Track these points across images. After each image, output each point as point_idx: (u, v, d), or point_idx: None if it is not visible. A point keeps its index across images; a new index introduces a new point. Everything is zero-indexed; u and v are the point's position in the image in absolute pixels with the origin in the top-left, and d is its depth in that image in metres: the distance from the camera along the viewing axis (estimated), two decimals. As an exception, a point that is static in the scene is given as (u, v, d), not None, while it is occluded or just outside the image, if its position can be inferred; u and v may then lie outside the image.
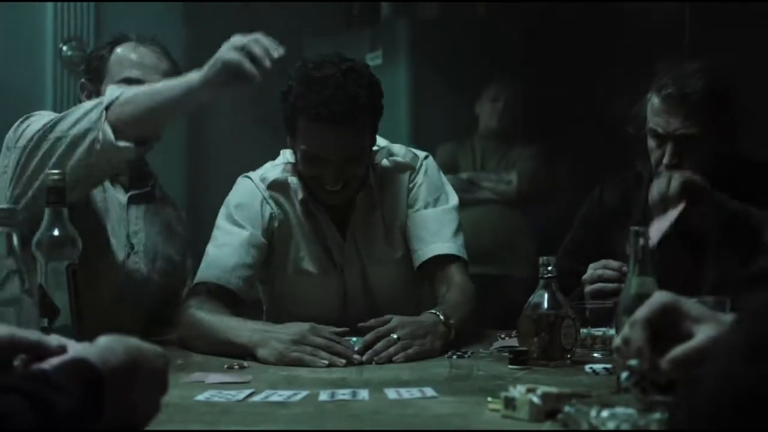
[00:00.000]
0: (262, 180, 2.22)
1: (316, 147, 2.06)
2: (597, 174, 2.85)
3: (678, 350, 1.10)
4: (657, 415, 1.08)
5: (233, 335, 1.94)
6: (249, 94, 4.54)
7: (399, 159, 2.28)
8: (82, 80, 2.42)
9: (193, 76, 1.96)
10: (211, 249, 2.17)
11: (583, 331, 1.83)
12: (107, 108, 1.97)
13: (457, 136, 4.54)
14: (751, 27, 3.86)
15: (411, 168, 2.27)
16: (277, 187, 2.21)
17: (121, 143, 1.94)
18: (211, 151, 5.21)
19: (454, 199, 2.29)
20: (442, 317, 1.96)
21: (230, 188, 2.27)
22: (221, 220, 2.21)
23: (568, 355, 1.73)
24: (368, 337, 1.87)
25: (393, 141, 2.35)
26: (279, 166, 2.25)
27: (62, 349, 1.08)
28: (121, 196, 2.31)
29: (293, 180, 2.21)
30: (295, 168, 2.19)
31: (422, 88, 4.70)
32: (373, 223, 2.24)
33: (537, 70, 4.86)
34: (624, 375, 1.19)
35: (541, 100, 4.73)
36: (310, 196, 2.18)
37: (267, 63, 1.88)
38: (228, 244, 2.16)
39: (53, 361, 1.00)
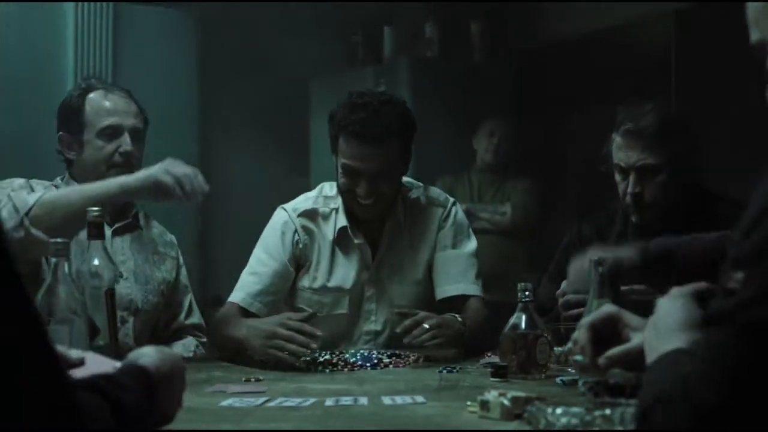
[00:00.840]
0: (294, 210, 2.56)
1: (352, 160, 2.41)
2: (584, 206, 3.07)
3: (614, 350, 1.39)
4: (601, 412, 1.32)
5: (235, 331, 2.32)
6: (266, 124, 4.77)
7: (433, 196, 2.62)
8: (60, 132, 2.53)
9: (112, 184, 2.27)
10: (243, 274, 2.54)
11: (558, 349, 2.08)
12: (26, 214, 2.18)
13: (454, 170, 4.77)
14: (735, 69, 4.07)
15: (443, 206, 2.60)
16: (306, 215, 2.56)
17: (45, 238, 2.08)
18: (223, 174, 5.42)
19: (475, 242, 2.63)
20: (459, 318, 2.35)
21: (244, 210, 2.60)
22: (257, 249, 2.57)
23: (543, 370, 1.98)
24: (408, 322, 2.22)
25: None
26: (311, 198, 2.59)
27: (81, 361, 1.32)
28: (106, 231, 2.46)
29: (325, 210, 2.56)
30: (338, 191, 2.55)
31: (422, 123, 4.77)
32: (399, 249, 2.57)
33: (530, 108, 5.11)
34: (581, 381, 1.46)
35: (534, 136, 4.96)
36: (349, 221, 2.52)
37: (196, 199, 2.27)
38: (257, 273, 2.51)
39: (116, 365, 1.26)
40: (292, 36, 5.34)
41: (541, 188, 4.73)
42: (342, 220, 2.54)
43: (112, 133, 2.49)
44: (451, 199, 2.66)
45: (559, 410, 1.34)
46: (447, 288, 2.54)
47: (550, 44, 5.16)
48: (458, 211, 2.63)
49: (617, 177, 2.46)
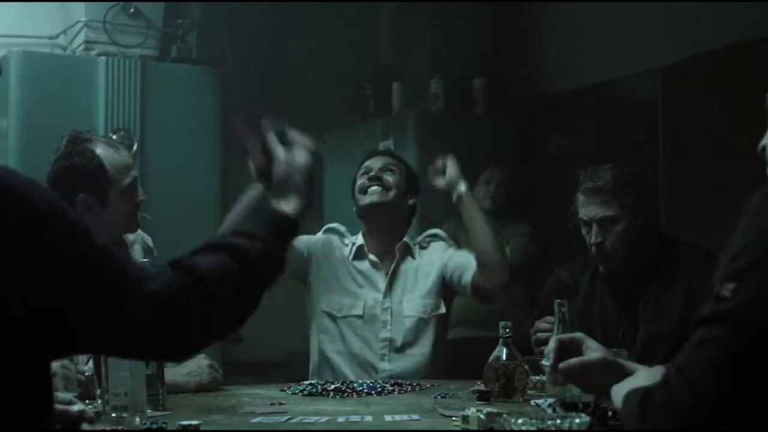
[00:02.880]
0: (320, 228, 3.17)
1: (369, 161, 3.16)
2: (580, 250, 3.36)
3: (572, 359, 1.80)
4: (554, 422, 1.68)
5: None
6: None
7: (436, 232, 3.22)
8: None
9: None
10: None
11: (535, 377, 2.44)
12: None
13: (458, 215, 4.94)
14: (719, 122, 4.36)
15: (446, 241, 3.18)
16: (331, 231, 3.17)
17: None
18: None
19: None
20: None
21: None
22: None
23: (522, 394, 2.33)
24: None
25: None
26: (342, 227, 3.20)
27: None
28: None
29: (345, 232, 3.17)
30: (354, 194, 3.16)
31: (428, 172, 5.16)
32: (409, 266, 3.09)
33: (528, 157, 5.33)
34: (544, 400, 1.83)
35: (532, 184, 5.22)
36: (366, 242, 3.10)
37: None
38: None
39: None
40: (307, 91, 5.66)
41: (540, 233, 4.91)
42: (360, 240, 3.10)
43: (135, 187, 2.63)
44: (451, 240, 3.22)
45: (520, 420, 1.70)
46: (468, 273, 3.05)
47: (547, 98, 5.42)
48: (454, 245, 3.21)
49: (583, 230, 2.79)
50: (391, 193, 3.07)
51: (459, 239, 4.82)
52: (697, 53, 4.53)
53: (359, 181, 3.13)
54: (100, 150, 2.55)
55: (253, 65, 5.58)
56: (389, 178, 3.09)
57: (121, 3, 5.00)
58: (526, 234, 4.90)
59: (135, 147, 4.85)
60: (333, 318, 3.03)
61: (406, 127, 5.26)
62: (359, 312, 3.01)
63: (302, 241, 3.05)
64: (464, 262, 3.06)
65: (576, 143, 5.08)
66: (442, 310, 3.08)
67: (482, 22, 5.71)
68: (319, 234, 3.17)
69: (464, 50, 5.58)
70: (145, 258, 2.43)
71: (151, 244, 2.91)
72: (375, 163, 3.14)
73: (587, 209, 2.75)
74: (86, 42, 4.97)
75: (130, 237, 2.81)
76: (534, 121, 5.45)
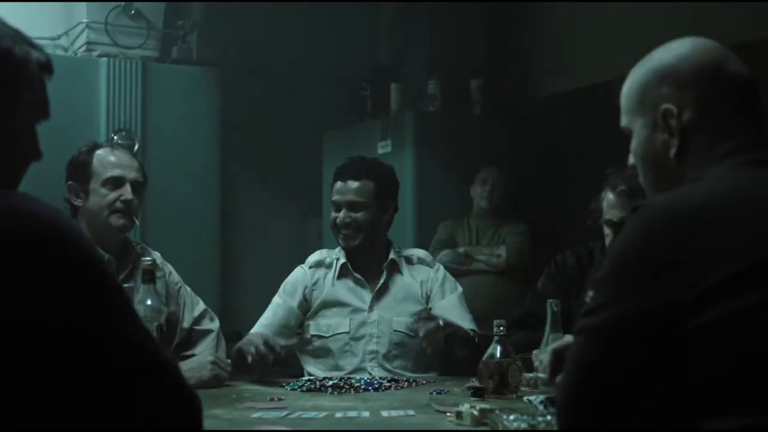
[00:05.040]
0: (307, 264, 3.14)
1: (334, 194, 3.10)
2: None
3: None
4: (544, 418, 1.75)
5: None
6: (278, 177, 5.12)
7: (422, 257, 3.20)
8: (70, 182, 2.79)
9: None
10: (263, 315, 3.09)
11: (529, 375, 2.49)
12: None
13: (455, 215, 5.03)
14: None
15: (430, 266, 3.17)
16: (316, 264, 3.13)
17: None
18: (243, 217, 5.81)
19: (460, 287, 3.18)
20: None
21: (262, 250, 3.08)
22: (276, 294, 3.12)
23: (515, 391, 2.39)
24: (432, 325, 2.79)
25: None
26: (324, 251, 3.17)
27: None
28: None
29: (330, 260, 3.13)
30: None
31: (425, 172, 5.16)
32: (396, 283, 3.10)
33: (525, 157, 5.38)
34: (535, 397, 1.89)
35: (527, 184, 5.24)
36: (349, 262, 3.08)
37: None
38: (271, 310, 3.09)
39: None
40: (306, 91, 5.72)
41: (536, 231, 4.96)
42: (342, 259, 3.11)
43: (115, 183, 2.77)
44: (436, 264, 3.22)
45: (512, 416, 1.76)
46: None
47: (545, 99, 5.46)
48: (441, 268, 3.21)
49: (606, 230, 2.80)
50: (361, 235, 3.05)
51: (457, 239, 4.95)
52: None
53: (332, 212, 3.12)
54: (99, 150, 2.82)
55: (253, 66, 5.61)
56: (358, 217, 3.05)
57: (122, 4, 5.05)
58: (523, 233, 4.95)
59: (136, 147, 4.91)
60: (321, 338, 3.07)
61: (404, 128, 5.31)
62: (346, 329, 3.05)
63: (299, 289, 3.10)
64: (454, 319, 3.02)
65: (573, 144, 5.11)
66: None
67: (480, 24, 5.77)
68: (307, 270, 3.13)
69: (462, 51, 5.63)
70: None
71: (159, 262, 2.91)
72: (342, 196, 3.08)
73: (618, 211, 2.75)
74: (88, 43, 5.02)
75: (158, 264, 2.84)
76: (531, 122, 5.48)
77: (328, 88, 5.72)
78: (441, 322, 2.78)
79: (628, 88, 1.57)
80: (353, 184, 3.07)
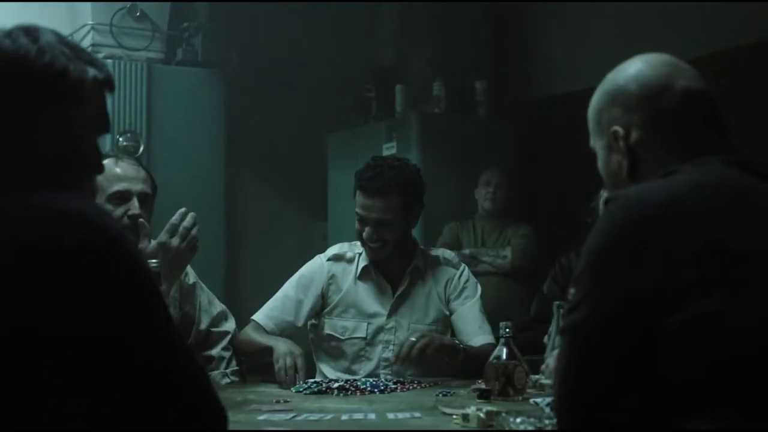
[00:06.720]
0: (326, 256, 3.08)
1: (359, 209, 2.95)
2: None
3: None
4: (551, 421, 1.74)
5: (261, 339, 2.86)
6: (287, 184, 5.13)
7: (449, 258, 3.12)
8: None
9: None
10: (272, 298, 3.04)
11: (535, 377, 2.49)
12: None
13: (460, 217, 5.02)
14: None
15: (456, 268, 3.09)
16: (335, 258, 3.07)
17: None
18: (247, 218, 5.82)
19: (479, 290, 3.11)
20: (456, 341, 2.86)
21: (266, 250, 3.03)
22: (288, 282, 3.06)
23: (521, 393, 2.39)
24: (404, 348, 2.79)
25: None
26: (345, 245, 3.11)
27: None
28: None
29: (350, 255, 3.06)
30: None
31: (430, 174, 4.77)
32: (417, 290, 3.04)
33: (530, 158, 5.42)
34: (541, 400, 1.89)
35: (532, 185, 5.29)
36: (371, 262, 3.02)
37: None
38: (280, 300, 3.02)
39: None
40: (310, 93, 5.74)
41: (541, 232, 4.97)
42: (364, 261, 3.03)
43: (121, 197, 2.60)
44: (462, 264, 3.15)
45: (519, 419, 1.76)
46: (475, 339, 2.98)
47: (548, 100, 5.48)
48: (466, 269, 3.12)
49: None
50: (389, 245, 2.98)
51: (462, 241, 4.95)
52: (694, 57, 4.54)
53: (356, 222, 2.99)
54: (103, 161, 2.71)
55: (257, 68, 5.62)
56: (385, 234, 2.95)
57: (128, 5, 5.06)
58: (527, 234, 4.95)
59: (141, 148, 4.91)
60: (337, 340, 3.05)
61: (409, 130, 5.31)
62: (362, 334, 3.01)
63: (314, 284, 3.04)
64: (466, 329, 3.02)
65: (576, 145, 5.10)
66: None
67: (484, 25, 5.78)
68: (325, 262, 3.07)
69: (466, 53, 5.65)
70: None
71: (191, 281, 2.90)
72: (368, 213, 2.93)
73: None
74: (93, 45, 5.04)
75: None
76: (535, 123, 5.50)
77: (331, 89, 5.75)
78: (421, 340, 2.78)
79: (589, 111, 1.62)
80: (379, 203, 2.91)
